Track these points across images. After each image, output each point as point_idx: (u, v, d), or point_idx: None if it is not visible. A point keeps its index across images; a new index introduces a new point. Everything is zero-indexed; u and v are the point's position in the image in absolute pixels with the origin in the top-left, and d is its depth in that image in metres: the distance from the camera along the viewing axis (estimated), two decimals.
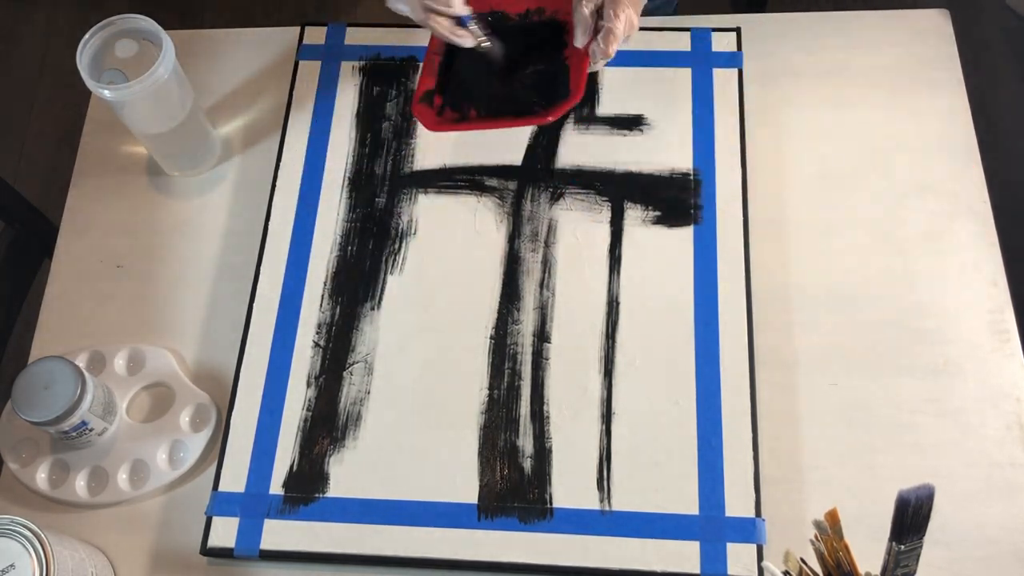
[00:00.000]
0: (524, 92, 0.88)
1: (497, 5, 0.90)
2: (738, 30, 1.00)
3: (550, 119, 0.84)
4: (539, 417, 0.85)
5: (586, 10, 0.81)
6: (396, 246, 0.93)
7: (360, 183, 0.96)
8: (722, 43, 1.00)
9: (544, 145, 0.96)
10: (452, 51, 0.89)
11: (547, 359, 0.87)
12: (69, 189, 1.00)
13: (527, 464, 0.83)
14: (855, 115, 0.97)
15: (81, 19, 2.01)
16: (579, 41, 0.83)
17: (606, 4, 0.81)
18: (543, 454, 0.83)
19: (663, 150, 0.95)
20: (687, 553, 0.79)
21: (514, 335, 0.88)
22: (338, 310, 0.90)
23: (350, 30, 1.04)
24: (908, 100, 0.98)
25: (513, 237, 0.92)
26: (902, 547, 0.62)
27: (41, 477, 0.85)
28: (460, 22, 0.83)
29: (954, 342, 0.87)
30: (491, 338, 0.88)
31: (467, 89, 0.89)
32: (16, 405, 0.79)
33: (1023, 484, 0.81)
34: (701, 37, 1.00)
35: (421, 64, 0.91)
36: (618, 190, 0.94)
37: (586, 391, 0.85)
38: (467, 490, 0.82)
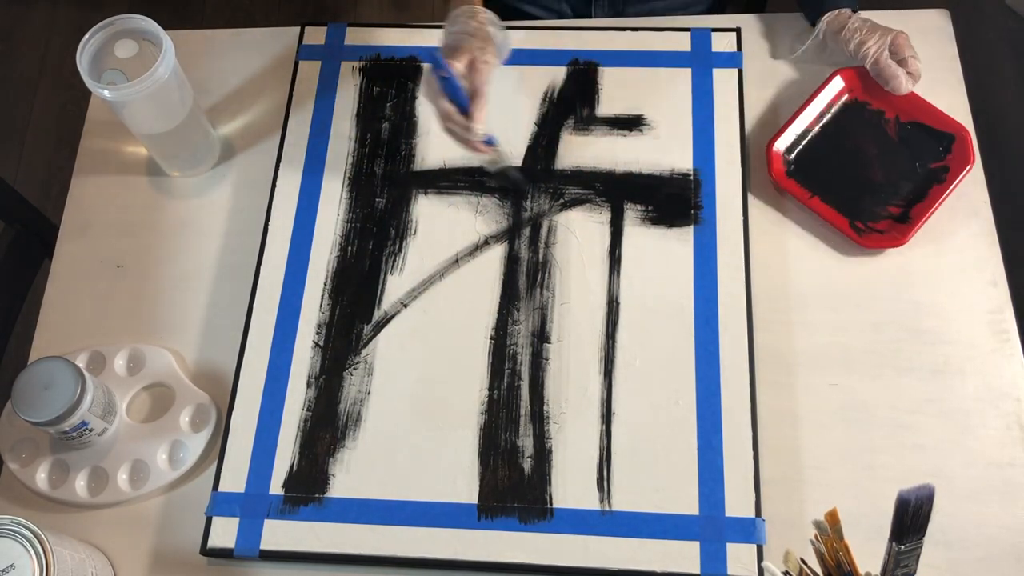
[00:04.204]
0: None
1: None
2: (738, 30, 1.00)
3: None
4: (539, 417, 0.85)
5: (891, 64, 0.93)
6: (396, 246, 0.93)
7: (360, 183, 0.96)
8: (722, 43, 1.00)
9: (544, 145, 0.96)
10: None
11: (547, 359, 0.87)
12: (69, 189, 1.00)
13: (527, 464, 0.83)
14: None
15: (81, 19, 2.01)
16: (906, 87, 0.93)
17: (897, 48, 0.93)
18: (543, 454, 0.83)
19: (663, 150, 0.95)
20: (687, 553, 0.79)
21: (514, 335, 0.88)
22: (338, 310, 0.90)
23: (350, 30, 1.04)
24: None
25: (513, 237, 0.92)
26: (902, 547, 0.62)
27: (41, 477, 0.85)
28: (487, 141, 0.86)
29: (954, 342, 0.87)
30: (491, 338, 0.88)
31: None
32: (16, 405, 0.79)
33: (1023, 484, 0.81)
34: (701, 37, 1.00)
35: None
36: (618, 190, 0.94)
37: (586, 391, 0.85)
38: (467, 490, 0.82)
